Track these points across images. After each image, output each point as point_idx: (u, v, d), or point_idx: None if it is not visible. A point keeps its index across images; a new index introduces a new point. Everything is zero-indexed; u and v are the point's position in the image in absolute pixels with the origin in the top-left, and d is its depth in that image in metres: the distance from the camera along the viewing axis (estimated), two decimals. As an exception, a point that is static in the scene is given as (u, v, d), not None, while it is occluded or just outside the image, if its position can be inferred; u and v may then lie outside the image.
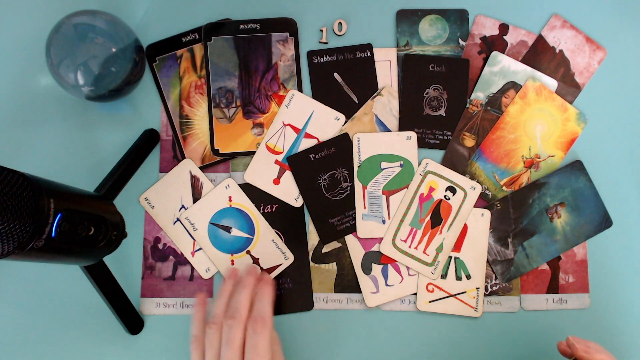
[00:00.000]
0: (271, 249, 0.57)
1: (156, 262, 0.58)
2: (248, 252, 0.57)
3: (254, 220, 0.58)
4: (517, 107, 0.58)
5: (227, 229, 0.57)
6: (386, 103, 0.59)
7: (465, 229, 0.57)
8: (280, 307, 0.57)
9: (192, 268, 0.58)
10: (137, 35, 0.56)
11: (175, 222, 0.58)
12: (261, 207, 0.58)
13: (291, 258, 0.57)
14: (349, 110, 0.59)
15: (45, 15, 0.56)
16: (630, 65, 0.60)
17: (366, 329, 0.57)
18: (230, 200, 0.58)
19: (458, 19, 0.60)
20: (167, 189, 0.58)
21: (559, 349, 0.48)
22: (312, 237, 0.58)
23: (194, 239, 0.57)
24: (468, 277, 0.57)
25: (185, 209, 0.58)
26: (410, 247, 0.57)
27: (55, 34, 0.51)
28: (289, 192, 0.58)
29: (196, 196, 0.58)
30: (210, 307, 0.51)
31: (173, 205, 0.58)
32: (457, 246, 0.57)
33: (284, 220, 0.58)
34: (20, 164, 0.57)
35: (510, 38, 0.60)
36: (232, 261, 0.57)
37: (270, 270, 0.57)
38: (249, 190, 0.58)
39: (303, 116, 0.59)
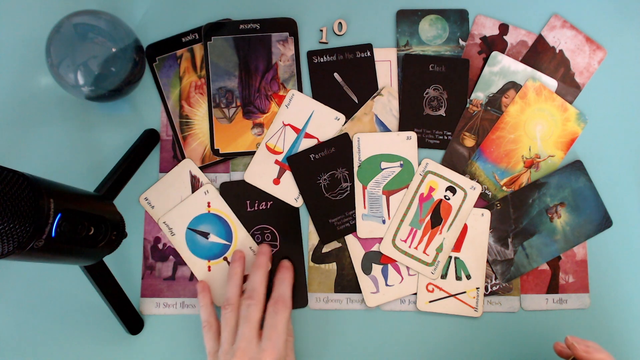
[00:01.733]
0: (249, 256, 0.57)
1: (156, 262, 0.58)
2: (225, 259, 0.57)
3: (232, 226, 0.57)
4: (517, 107, 0.58)
5: (205, 235, 0.57)
6: (386, 103, 0.59)
7: (465, 229, 0.57)
8: None
9: (192, 268, 0.58)
10: (137, 35, 0.56)
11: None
12: (256, 204, 0.58)
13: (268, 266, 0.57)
14: (349, 110, 0.59)
15: (45, 15, 0.56)
16: (630, 65, 0.60)
17: (366, 329, 0.57)
18: (209, 206, 0.57)
19: (458, 19, 0.60)
20: (167, 189, 0.58)
21: (556, 350, 0.48)
22: (312, 237, 0.58)
23: (172, 244, 0.57)
24: (468, 277, 0.57)
25: (164, 214, 0.57)
26: (410, 247, 0.57)
27: (55, 34, 0.51)
28: (289, 192, 0.58)
29: None
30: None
31: (173, 205, 0.58)
32: (457, 246, 0.57)
33: (279, 217, 0.58)
34: (20, 164, 0.57)
35: (510, 38, 0.60)
36: (209, 267, 0.57)
37: (246, 277, 0.56)
38: (238, 190, 0.58)
39: (303, 116, 0.59)
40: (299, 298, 0.57)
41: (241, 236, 0.57)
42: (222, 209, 0.57)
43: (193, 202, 0.57)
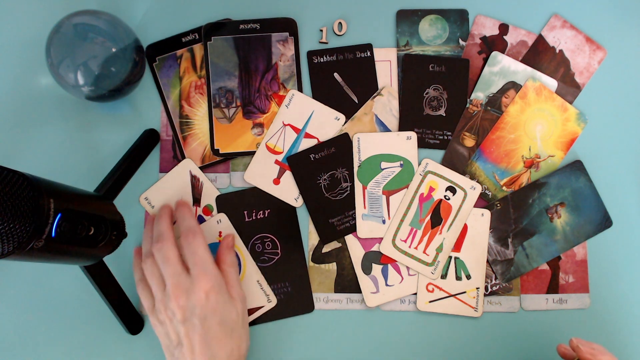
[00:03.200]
0: (255, 289, 0.57)
1: (156, 262, 0.58)
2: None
3: (241, 258, 0.57)
4: (517, 107, 0.58)
5: None
6: (386, 103, 0.59)
7: (465, 229, 0.57)
8: (282, 311, 0.57)
9: (192, 268, 0.58)
10: (137, 35, 0.56)
11: (175, 222, 0.58)
12: (253, 213, 0.58)
13: (274, 301, 0.56)
14: (349, 110, 0.59)
15: (45, 15, 0.56)
16: (630, 65, 0.60)
17: (366, 329, 0.57)
18: (220, 235, 0.57)
19: (458, 19, 0.60)
20: (168, 189, 0.58)
21: (559, 352, 0.48)
22: (312, 237, 0.58)
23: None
24: (468, 277, 0.57)
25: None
26: (410, 247, 0.57)
27: (55, 34, 0.51)
28: (289, 192, 0.58)
29: (196, 196, 0.58)
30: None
31: (173, 205, 0.58)
32: (457, 246, 0.57)
33: (278, 224, 0.58)
34: (20, 164, 0.57)
35: (510, 38, 0.60)
36: None
37: (252, 311, 0.56)
38: (235, 201, 0.58)
39: (303, 116, 0.59)
40: (304, 303, 0.57)
41: (249, 269, 0.57)
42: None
43: (205, 230, 0.57)
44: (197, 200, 0.58)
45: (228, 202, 0.58)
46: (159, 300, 0.48)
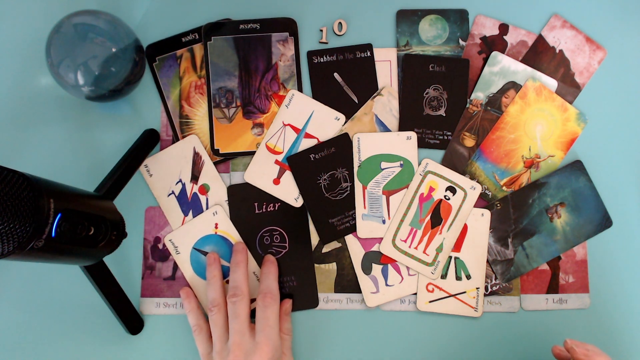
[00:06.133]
0: (251, 281, 0.57)
1: (156, 262, 0.58)
2: (227, 282, 0.56)
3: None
4: (517, 107, 0.59)
5: None
6: (386, 103, 0.59)
7: (465, 229, 0.57)
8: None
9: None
10: (137, 35, 0.56)
11: (170, 194, 0.58)
12: (263, 206, 0.58)
13: None
14: (349, 110, 0.59)
15: (45, 15, 0.56)
16: (630, 65, 0.60)
17: (366, 329, 0.57)
18: (216, 227, 0.57)
19: (458, 19, 0.60)
20: (169, 160, 0.58)
21: (554, 353, 0.48)
22: (312, 237, 0.58)
23: (176, 262, 0.57)
24: (468, 277, 0.57)
25: (171, 232, 0.57)
26: (410, 247, 0.57)
27: (55, 34, 0.51)
28: (289, 192, 0.58)
29: (195, 173, 0.58)
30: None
31: (171, 177, 0.58)
32: (457, 246, 0.57)
33: (287, 218, 0.58)
34: (20, 164, 0.57)
35: (510, 38, 0.60)
36: None
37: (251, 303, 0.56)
38: (246, 193, 0.58)
39: (303, 116, 0.59)
40: (309, 298, 0.57)
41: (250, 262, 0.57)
42: (229, 231, 0.57)
43: (201, 222, 0.57)
44: (195, 178, 0.58)
45: (239, 193, 0.58)
46: (217, 352, 0.50)
